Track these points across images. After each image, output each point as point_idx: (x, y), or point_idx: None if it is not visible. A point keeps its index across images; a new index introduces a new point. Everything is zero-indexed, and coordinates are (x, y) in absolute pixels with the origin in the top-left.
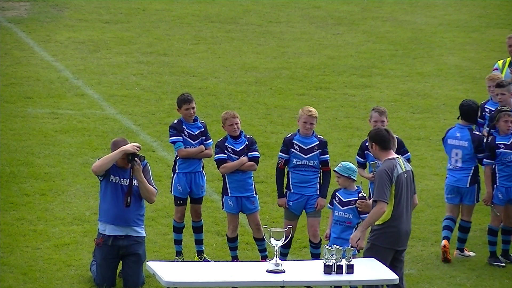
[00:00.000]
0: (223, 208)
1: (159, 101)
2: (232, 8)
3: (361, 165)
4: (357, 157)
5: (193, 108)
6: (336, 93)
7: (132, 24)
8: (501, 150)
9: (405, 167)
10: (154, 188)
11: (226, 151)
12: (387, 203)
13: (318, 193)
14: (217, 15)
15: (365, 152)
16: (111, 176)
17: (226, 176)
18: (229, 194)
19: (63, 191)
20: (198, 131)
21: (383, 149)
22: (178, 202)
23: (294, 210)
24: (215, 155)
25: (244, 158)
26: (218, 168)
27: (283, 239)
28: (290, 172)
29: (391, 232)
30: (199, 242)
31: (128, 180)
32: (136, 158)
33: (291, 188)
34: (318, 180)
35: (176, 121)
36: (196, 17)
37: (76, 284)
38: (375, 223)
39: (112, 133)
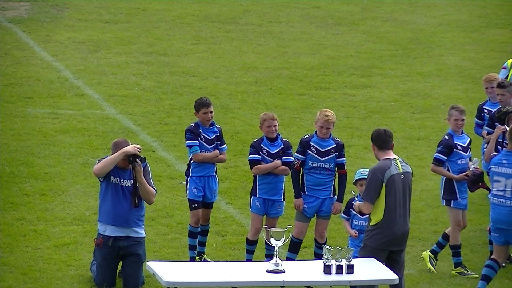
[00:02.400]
0: (250, 209)
1: (159, 101)
2: (232, 8)
3: (441, 162)
4: (439, 154)
5: (211, 112)
6: (336, 93)
7: (132, 24)
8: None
9: (402, 168)
10: (154, 189)
11: (261, 152)
12: (372, 204)
13: (331, 196)
14: (217, 15)
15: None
16: (112, 177)
17: (257, 177)
18: (257, 195)
19: (63, 191)
20: (214, 136)
21: (380, 149)
22: (193, 206)
23: (307, 213)
24: (250, 155)
25: (278, 162)
26: (251, 168)
27: (283, 239)
28: (305, 174)
29: (383, 234)
30: (202, 244)
31: (132, 181)
32: (137, 159)
33: (305, 190)
34: (333, 183)
35: (193, 124)
36: (196, 17)
37: (76, 284)
38: (370, 224)
39: (112, 133)
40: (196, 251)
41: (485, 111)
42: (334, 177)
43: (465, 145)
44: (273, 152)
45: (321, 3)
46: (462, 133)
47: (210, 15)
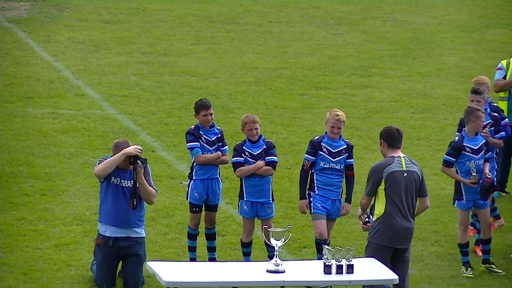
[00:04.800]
0: (238, 212)
1: (159, 101)
2: (232, 8)
3: (449, 164)
4: (447, 156)
5: (211, 114)
6: (336, 93)
7: (132, 24)
8: None
9: (406, 167)
10: (154, 189)
11: (243, 154)
12: (369, 197)
13: (339, 197)
14: (217, 15)
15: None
16: (112, 177)
17: (243, 180)
18: (245, 199)
19: (63, 191)
20: (215, 137)
21: (390, 147)
22: (194, 209)
23: (320, 210)
24: (232, 158)
25: (260, 162)
26: (234, 171)
27: (283, 239)
28: (315, 175)
29: (385, 229)
30: (211, 249)
31: (132, 182)
32: (138, 161)
33: (315, 189)
34: (341, 185)
35: (193, 126)
36: (196, 17)
37: (76, 284)
38: (372, 219)
39: (112, 133)
40: (208, 258)
41: None
42: (342, 179)
43: (476, 148)
44: (255, 154)
45: (321, 3)
46: (477, 135)
47: (210, 15)
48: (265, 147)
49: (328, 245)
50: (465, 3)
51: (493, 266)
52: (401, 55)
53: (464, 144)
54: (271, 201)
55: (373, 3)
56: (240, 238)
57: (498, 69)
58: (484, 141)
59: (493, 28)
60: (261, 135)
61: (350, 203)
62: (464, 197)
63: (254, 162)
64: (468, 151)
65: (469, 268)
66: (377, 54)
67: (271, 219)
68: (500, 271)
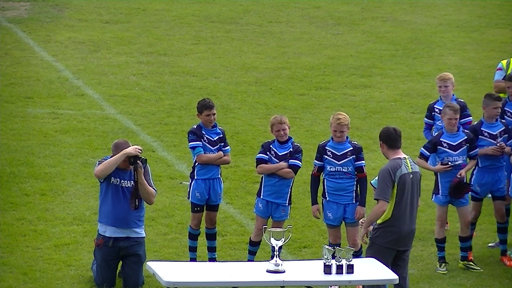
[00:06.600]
0: (254, 210)
1: (159, 101)
2: (232, 8)
3: (423, 157)
4: (423, 149)
5: (214, 114)
6: (336, 93)
7: (132, 24)
8: None
9: (412, 168)
10: (154, 189)
11: (268, 152)
12: (388, 202)
13: (354, 201)
14: (217, 15)
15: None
16: (112, 178)
17: (263, 178)
18: (261, 197)
19: (63, 191)
20: (217, 137)
21: (390, 148)
22: (196, 209)
23: (332, 221)
24: (258, 154)
25: (283, 164)
26: (256, 166)
27: (283, 239)
28: (325, 180)
29: (391, 232)
30: (212, 249)
31: (132, 182)
32: (138, 161)
33: (326, 196)
34: (355, 188)
35: (195, 126)
36: (196, 17)
37: (76, 284)
38: (377, 222)
39: (112, 133)
40: (208, 258)
41: (436, 110)
42: (355, 182)
43: (454, 144)
44: (280, 154)
45: (321, 3)
46: (458, 130)
47: (210, 15)
48: (291, 150)
49: (360, 250)
50: (465, 3)
51: (471, 263)
52: (401, 55)
53: (441, 139)
54: (287, 204)
55: (373, 3)
56: (240, 238)
57: (498, 70)
58: (466, 137)
59: (493, 28)
60: (291, 138)
61: (364, 206)
62: (440, 191)
63: (278, 162)
64: (445, 147)
65: (443, 264)
66: (377, 54)
67: (283, 222)
68: (478, 268)
